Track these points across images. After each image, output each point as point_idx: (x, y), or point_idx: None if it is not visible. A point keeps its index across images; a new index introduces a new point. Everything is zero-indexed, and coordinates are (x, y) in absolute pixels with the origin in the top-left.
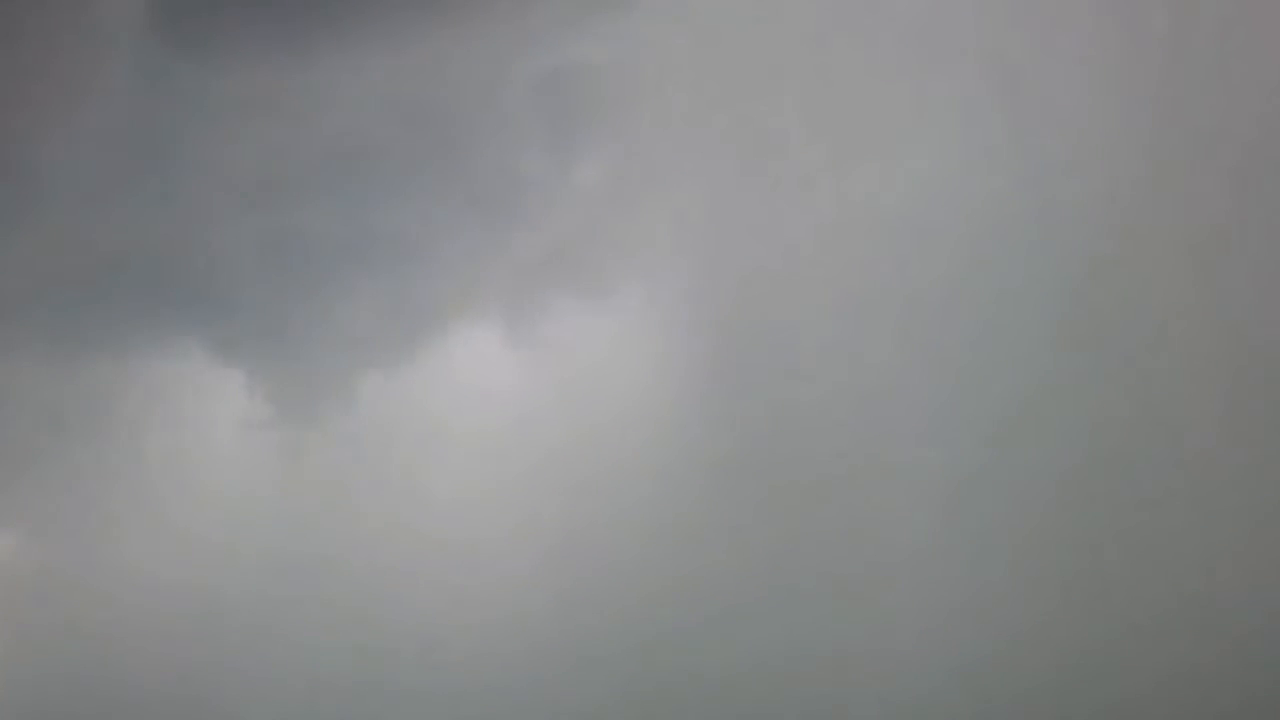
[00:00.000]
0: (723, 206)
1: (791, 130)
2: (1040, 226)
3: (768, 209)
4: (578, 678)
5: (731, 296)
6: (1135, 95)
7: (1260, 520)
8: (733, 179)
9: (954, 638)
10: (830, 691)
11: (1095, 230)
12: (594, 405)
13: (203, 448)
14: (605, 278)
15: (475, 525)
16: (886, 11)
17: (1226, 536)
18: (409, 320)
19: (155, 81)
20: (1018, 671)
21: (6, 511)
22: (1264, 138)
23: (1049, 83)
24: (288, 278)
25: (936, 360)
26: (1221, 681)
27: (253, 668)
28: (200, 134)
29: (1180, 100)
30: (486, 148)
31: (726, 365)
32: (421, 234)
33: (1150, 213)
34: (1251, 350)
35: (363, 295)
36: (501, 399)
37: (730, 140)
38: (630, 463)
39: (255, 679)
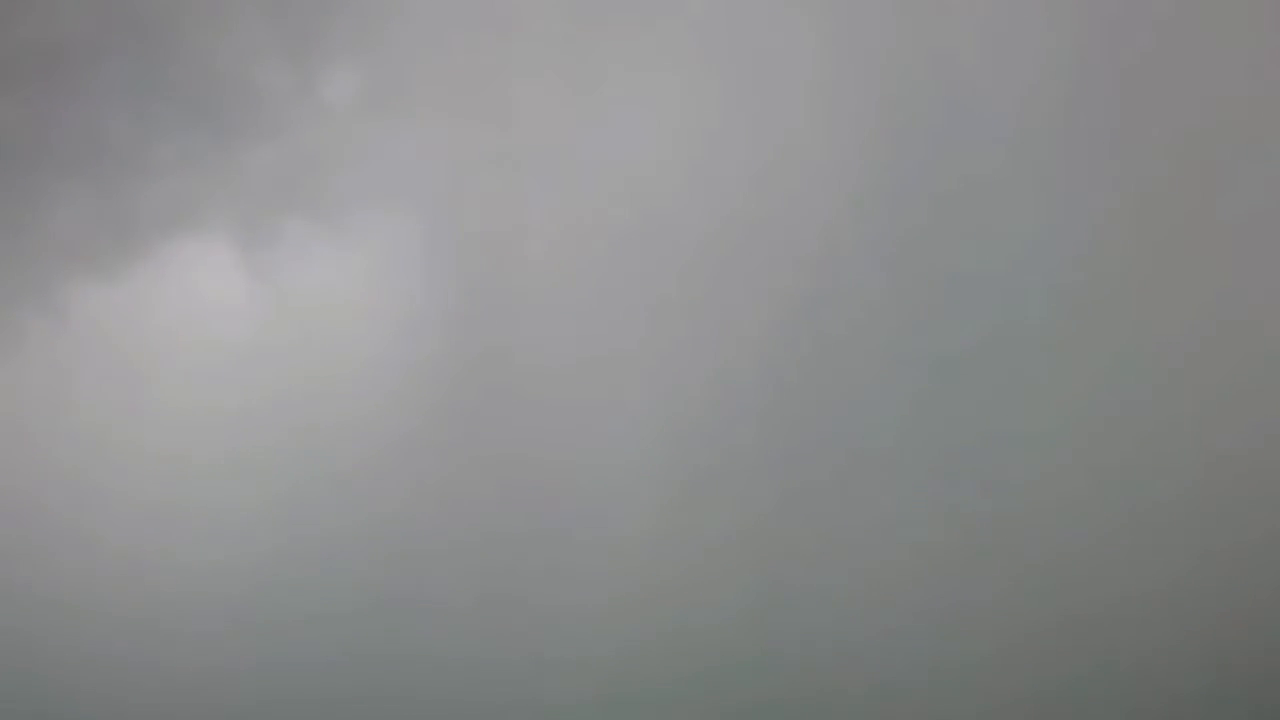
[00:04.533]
0: (478, 140)
1: (553, 60)
2: (763, 207)
3: (528, 147)
4: (295, 607)
5: (478, 238)
6: (854, 105)
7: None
8: (493, 109)
9: (667, 573)
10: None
11: (810, 220)
12: (325, 340)
13: None
14: (344, 206)
15: (195, 450)
16: None
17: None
18: (126, 231)
19: None
20: (729, 608)
21: None
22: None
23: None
24: None
25: (671, 313)
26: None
27: None
28: None
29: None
30: (212, 52)
31: (466, 309)
32: (135, 139)
33: (859, 216)
34: (932, 354)
35: (69, 199)
36: (229, 323)
37: (490, 67)
38: (358, 403)
39: None
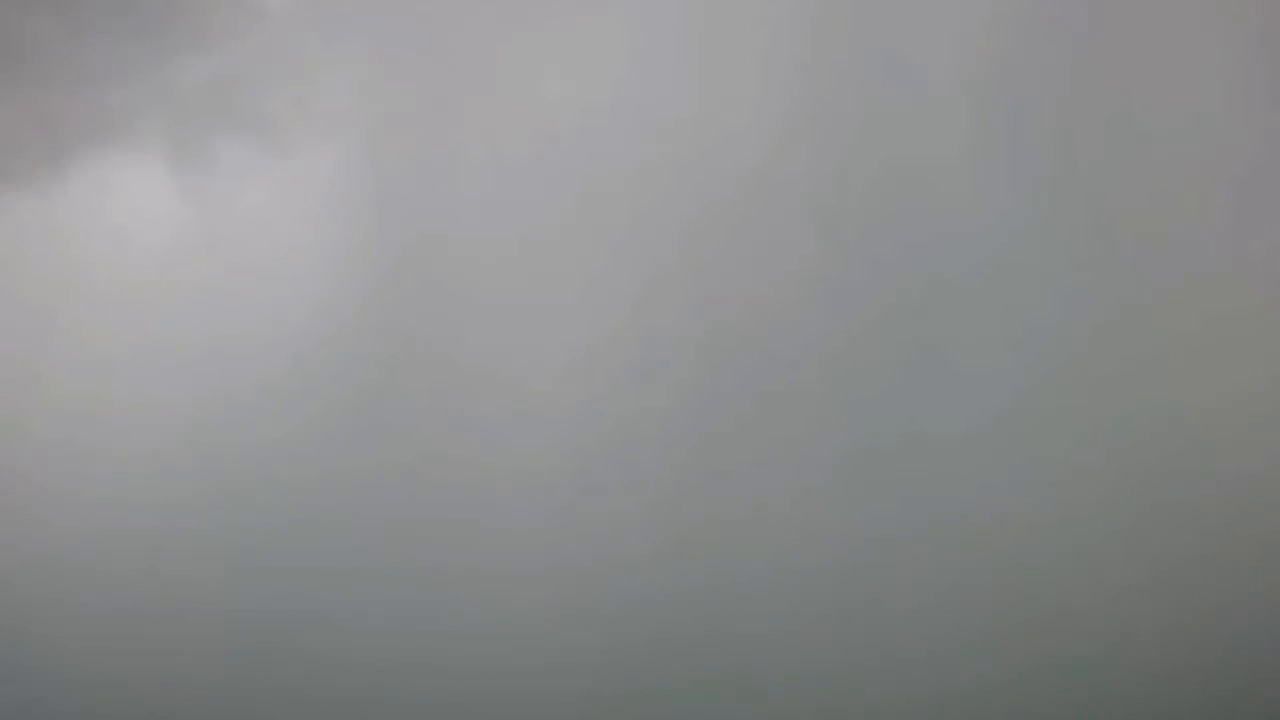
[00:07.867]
0: (424, 65)
1: None
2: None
3: (485, 79)
4: (205, 552)
5: (421, 174)
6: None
7: None
8: (440, 33)
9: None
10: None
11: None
12: (257, 273)
13: None
14: (282, 126)
15: (109, 386)
16: None
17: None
18: (46, 139)
19: None
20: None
21: None
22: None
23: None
24: None
25: (611, 264)
26: None
27: None
28: None
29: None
30: None
31: (404, 251)
32: (59, 40)
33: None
34: (872, 345)
35: None
36: (155, 248)
37: None
38: (291, 345)
39: None
